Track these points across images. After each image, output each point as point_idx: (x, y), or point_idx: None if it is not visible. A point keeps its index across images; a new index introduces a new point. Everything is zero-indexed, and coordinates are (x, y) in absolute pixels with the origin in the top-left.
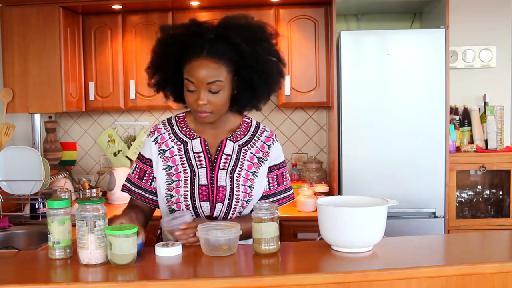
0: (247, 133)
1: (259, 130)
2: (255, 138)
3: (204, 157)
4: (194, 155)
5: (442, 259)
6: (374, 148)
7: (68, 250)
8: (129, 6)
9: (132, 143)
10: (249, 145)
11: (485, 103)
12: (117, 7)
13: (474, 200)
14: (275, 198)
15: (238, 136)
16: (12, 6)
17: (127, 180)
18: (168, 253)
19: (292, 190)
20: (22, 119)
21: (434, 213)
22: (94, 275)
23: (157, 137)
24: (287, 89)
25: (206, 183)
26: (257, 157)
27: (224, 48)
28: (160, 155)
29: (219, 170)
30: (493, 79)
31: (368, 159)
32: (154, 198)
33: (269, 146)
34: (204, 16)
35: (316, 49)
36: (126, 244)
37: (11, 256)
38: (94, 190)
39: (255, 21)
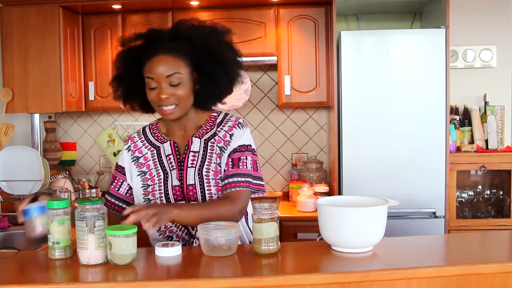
0: (214, 126)
1: (224, 121)
2: (219, 128)
3: (174, 158)
4: (166, 158)
5: (442, 259)
6: (374, 148)
7: (68, 250)
8: (129, 6)
9: None
10: (215, 137)
11: (486, 103)
12: (117, 7)
13: (475, 200)
14: (225, 181)
15: (204, 131)
16: (12, 6)
17: (107, 191)
18: (168, 253)
19: (257, 182)
20: (21, 119)
21: (434, 213)
22: (94, 275)
23: (129, 146)
24: (287, 89)
25: (178, 183)
26: (219, 147)
27: (180, 45)
28: (134, 162)
29: (188, 168)
30: (493, 79)
31: (368, 159)
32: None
33: (231, 135)
34: (204, 16)
35: (316, 49)
36: (126, 244)
37: (11, 256)
38: (94, 190)
39: (203, 21)
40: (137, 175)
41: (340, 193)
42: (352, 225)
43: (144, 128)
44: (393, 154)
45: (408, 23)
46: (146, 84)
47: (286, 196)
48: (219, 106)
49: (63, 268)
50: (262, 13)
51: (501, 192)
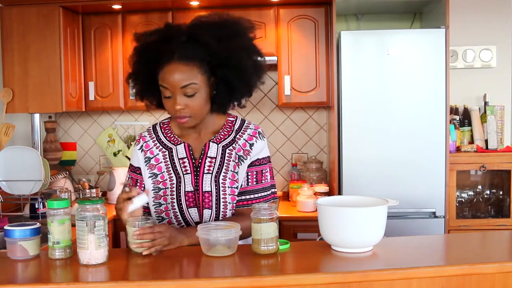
0: (231, 132)
1: (242, 128)
2: (238, 136)
3: (189, 163)
4: (179, 161)
5: (442, 259)
6: (374, 148)
7: (68, 250)
8: (129, 6)
9: (132, 143)
10: (233, 145)
11: (485, 103)
12: (117, 7)
13: (474, 200)
14: (251, 196)
15: (221, 136)
16: (12, 6)
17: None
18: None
19: (273, 190)
20: (22, 119)
21: (434, 213)
22: (94, 275)
23: (142, 145)
24: (287, 89)
25: (192, 189)
26: (238, 156)
27: (194, 50)
28: (146, 163)
29: (204, 174)
30: (493, 79)
31: (368, 159)
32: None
33: (251, 145)
34: None
35: (316, 49)
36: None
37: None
38: (94, 190)
39: (230, 17)
40: (148, 177)
41: (340, 193)
42: (352, 225)
43: (154, 127)
44: (393, 154)
45: (408, 23)
46: (161, 91)
47: (286, 196)
48: None
49: (63, 268)
50: (262, 13)
51: (501, 192)
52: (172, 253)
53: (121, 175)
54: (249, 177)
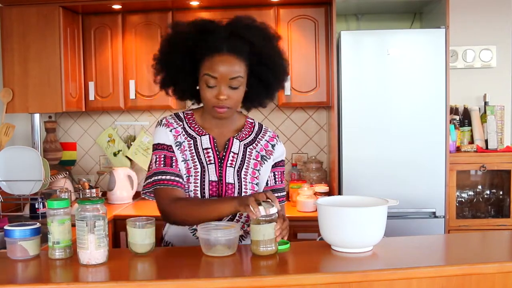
0: (252, 133)
1: (262, 131)
2: (259, 137)
3: (213, 154)
4: (203, 151)
5: (442, 259)
6: (374, 148)
7: (68, 250)
8: (129, 6)
9: (132, 143)
10: (253, 144)
11: (485, 103)
12: (117, 7)
13: (474, 200)
14: (278, 194)
15: (243, 135)
16: (12, 6)
17: (152, 175)
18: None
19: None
20: (22, 119)
21: (434, 213)
22: (94, 275)
23: (172, 129)
24: (287, 89)
25: (216, 179)
26: (261, 155)
27: (241, 45)
28: (177, 147)
29: (227, 167)
30: (493, 79)
31: (368, 159)
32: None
33: (273, 146)
34: (204, 16)
35: (316, 49)
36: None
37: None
38: (94, 190)
39: (259, 22)
40: (181, 161)
41: (340, 193)
42: (352, 225)
43: (178, 115)
44: (393, 154)
45: (408, 23)
46: (202, 80)
47: (286, 196)
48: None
49: (63, 268)
50: (262, 13)
51: (501, 192)
52: (172, 253)
53: (121, 175)
54: (276, 176)
